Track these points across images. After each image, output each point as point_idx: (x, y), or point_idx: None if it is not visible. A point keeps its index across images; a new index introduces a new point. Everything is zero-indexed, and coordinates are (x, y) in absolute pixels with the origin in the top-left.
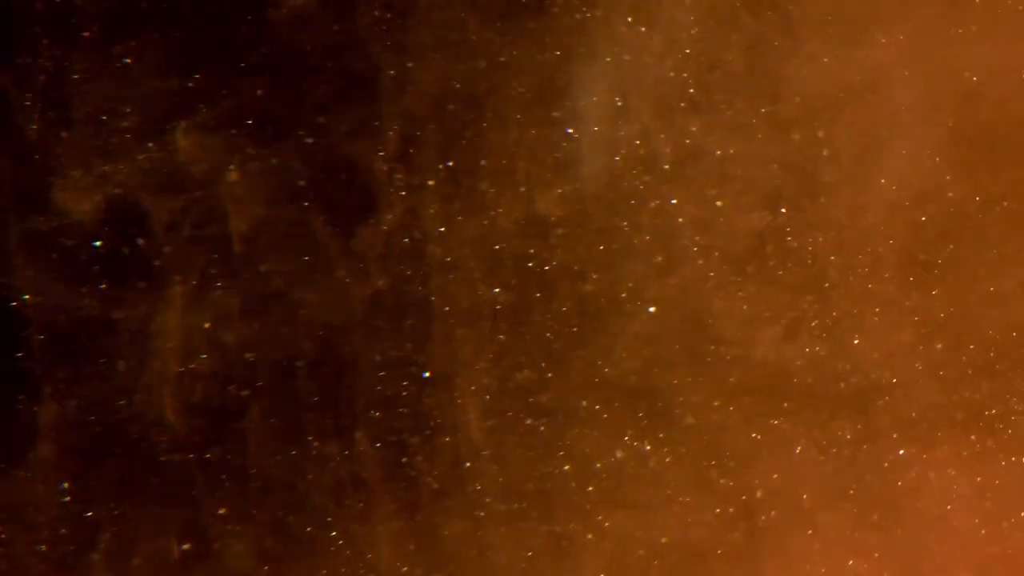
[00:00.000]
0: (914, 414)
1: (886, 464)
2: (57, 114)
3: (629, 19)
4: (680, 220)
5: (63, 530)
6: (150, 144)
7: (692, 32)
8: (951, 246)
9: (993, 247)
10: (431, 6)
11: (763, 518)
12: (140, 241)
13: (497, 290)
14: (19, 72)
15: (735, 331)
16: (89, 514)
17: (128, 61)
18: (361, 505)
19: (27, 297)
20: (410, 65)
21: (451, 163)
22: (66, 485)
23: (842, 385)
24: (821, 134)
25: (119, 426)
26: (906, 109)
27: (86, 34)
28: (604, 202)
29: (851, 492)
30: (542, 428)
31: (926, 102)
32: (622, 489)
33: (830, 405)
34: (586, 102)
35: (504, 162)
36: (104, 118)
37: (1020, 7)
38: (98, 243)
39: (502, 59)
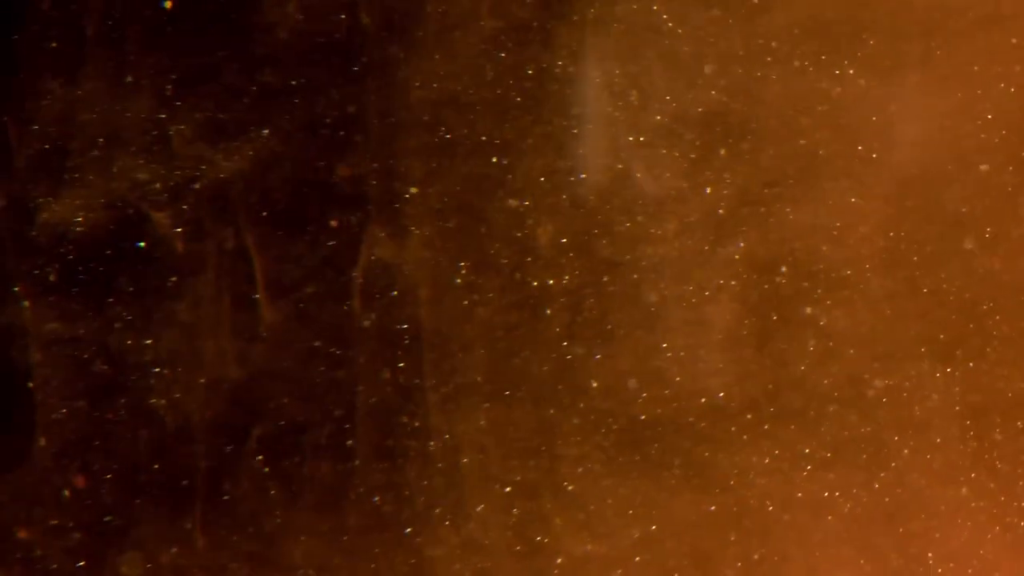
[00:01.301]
0: (929, 455)
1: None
2: (56, 123)
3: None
4: (667, 253)
5: (61, 538)
6: (150, 156)
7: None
8: (926, 271)
9: (973, 273)
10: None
11: (752, 543)
12: (133, 253)
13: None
14: (15, 84)
15: (716, 361)
16: (85, 520)
17: (128, 76)
18: (349, 524)
19: (26, 303)
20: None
21: (444, 183)
22: (66, 493)
23: (832, 411)
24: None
25: (118, 434)
26: (889, 142)
27: (84, 42)
28: (598, 232)
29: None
30: (529, 459)
31: (910, 134)
32: (610, 519)
33: (815, 435)
34: (582, 133)
35: (499, 187)
36: (102, 129)
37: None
38: (93, 254)
39: (501, 88)
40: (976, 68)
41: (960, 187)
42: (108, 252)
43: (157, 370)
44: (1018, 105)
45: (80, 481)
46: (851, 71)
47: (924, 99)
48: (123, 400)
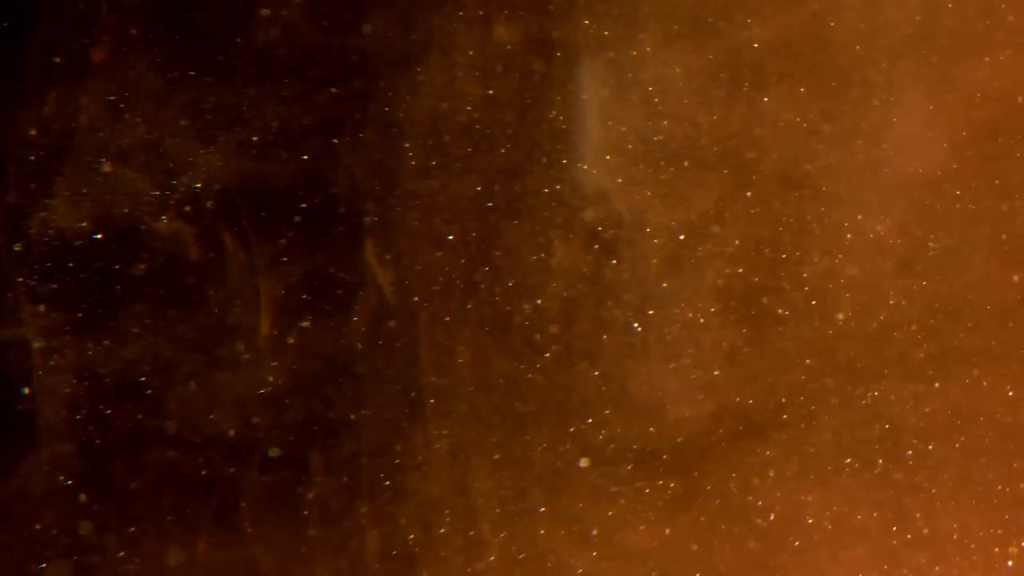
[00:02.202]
0: (912, 472)
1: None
2: (56, 132)
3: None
4: (653, 277)
5: (67, 542)
6: (146, 166)
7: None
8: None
9: (951, 290)
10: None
11: (740, 557)
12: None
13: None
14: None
15: (700, 381)
16: (92, 522)
17: (121, 96)
18: (345, 540)
19: (42, 307)
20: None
21: (437, 204)
22: (83, 497)
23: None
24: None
25: (121, 438)
26: (880, 171)
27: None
28: (589, 254)
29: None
30: (520, 480)
31: (885, 151)
32: (600, 536)
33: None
34: (574, 158)
35: (491, 210)
36: (102, 140)
37: None
38: (93, 264)
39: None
40: (930, 85)
41: (930, 201)
42: (102, 261)
43: (149, 380)
44: (976, 118)
45: (67, 491)
46: (827, 96)
47: (900, 117)
48: (120, 409)
